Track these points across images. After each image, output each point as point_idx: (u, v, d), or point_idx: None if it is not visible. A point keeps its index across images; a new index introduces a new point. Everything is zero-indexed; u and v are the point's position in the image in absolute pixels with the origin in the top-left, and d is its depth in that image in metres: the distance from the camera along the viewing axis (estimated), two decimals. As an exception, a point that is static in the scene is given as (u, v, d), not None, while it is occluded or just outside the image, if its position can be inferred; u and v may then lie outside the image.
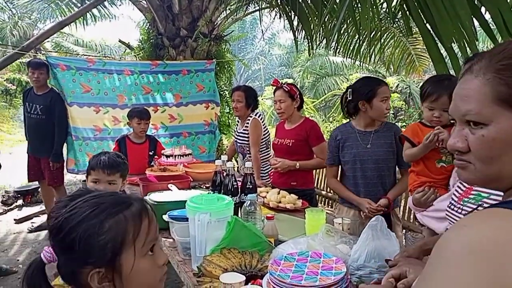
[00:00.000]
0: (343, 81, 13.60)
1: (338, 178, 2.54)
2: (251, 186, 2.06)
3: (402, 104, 11.51)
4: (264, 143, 3.46)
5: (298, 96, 2.96)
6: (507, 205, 0.59)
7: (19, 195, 5.69)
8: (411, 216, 4.00)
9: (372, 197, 2.33)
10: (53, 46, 17.96)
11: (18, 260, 3.79)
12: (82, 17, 7.38)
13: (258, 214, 1.79)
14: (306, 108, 9.56)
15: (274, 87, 3.05)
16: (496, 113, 0.63)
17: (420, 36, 5.73)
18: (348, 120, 2.53)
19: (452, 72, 2.49)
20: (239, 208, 1.94)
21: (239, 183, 2.11)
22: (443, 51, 2.67)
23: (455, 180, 1.78)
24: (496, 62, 0.64)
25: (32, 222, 4.78)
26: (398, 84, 12.06)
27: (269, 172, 3.37)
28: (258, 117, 3.42)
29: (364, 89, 2.31)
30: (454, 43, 2.49)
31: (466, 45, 2.47)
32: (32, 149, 4.29)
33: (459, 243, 0.53)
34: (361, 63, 6.77)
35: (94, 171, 2.04)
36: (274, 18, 5.61)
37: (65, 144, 4.51)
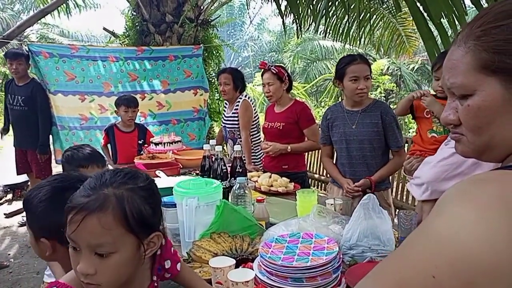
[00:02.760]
0: (333, 65, 13.49)
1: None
2: (240, 170, 2.03)
3: (393, 86, 11.50)
4: (255, 126, 3.40)
5: (287, 78, 2.90)
6: None
7: (8, 189, 5.61)
8: (404, 196, 4.01)
9: (357, 177, 2.32)
10: (38, 38, 17.61)
11: (9, 254, 3.74)
12: (65, 6, 7.22)
13: (248, 197, 1.75)
14: (298, 93, 9.51)
15: (262, 70, 2.99)
16: (479, 81, 0.61)
17: (409, 16, 5.68)
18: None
19: (442, 49, 2.46)
20: (229, 192, 1.90)
21: (229, 168, 2.07)
22: (434, 30, 2.63)
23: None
24: (476, 29, 0.61)
25: (22, 216, 4.70)
26: (389, 67, 12.04)
27: (261, 158, 3.32)
28: (248, 98, 3.35)
29: (337, 67, 2.32)
30: (444, 19, 2.45)
31: (456, 20, 2.43)
32: (18, 141, 4.20)
33: (485, 194, 0.50)
34: (351, 46, 6.70)
35: (86, 168, 1.99)
36: (262, 2, 5.50)
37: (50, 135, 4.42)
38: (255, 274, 1.22)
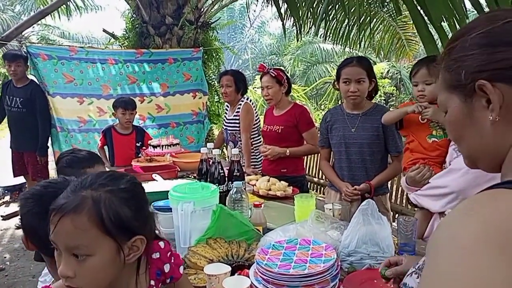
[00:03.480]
0: (333, 68, 13.47)
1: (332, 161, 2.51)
2: (238, 174, 2.00)
3: (393, 90, 11.49)
4: (255, 129, 3.38)
5: (286, 81, 2.88)
6: (508, 185, 0.53)
7: (6, 191, 5.58)
8: (404, 200, 3.97)
9: (356, 181, 2.29)
10: (39, 39, 17.61)
11: (5, 257, 3.70)
12: (66, 8, 7.21)
13: (245, 202, 1.72)
14: (298, 96, 9.49)
15: (261, 73, 2.97)
16: (447, 99, 0.67)
17: (410, 20, 5.67)
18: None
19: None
20: (227, 196, 1.87)
21: (227, 172, 2.04)
22: (434, 33, 2.61)
23: (451, 157, 1.74)
24: (445, 50, 0.67)
25: (19, 218, 4.67)
26: (389, 70, 12.03)
27: (262, 160, 3.29)
28: (249, 101, 3.34)
29: (336, 69, 2.33)
30: (444, 22, 2.43)
31: (456, 23, 2.41)
32: (15, 143, 4.17)
33: (470, 233, 0.47)
34: (351, 49, 6.69)
35: (92, 168, 1.92)
36: (262, 5, 5.49)
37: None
38: (251, 282, 1.19)
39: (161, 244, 1.04)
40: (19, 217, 1.16)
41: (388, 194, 2.43)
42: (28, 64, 4.17)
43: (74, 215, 0.82)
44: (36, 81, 4.26)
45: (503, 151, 0.61)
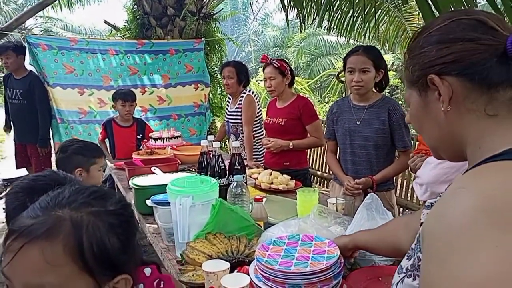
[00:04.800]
0: (337, 61, 13.39)
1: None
2: (239, 167, 1.95)
3: (398, 82, 11.36)
4: (258, 121, 3.33)
5: (289, 72, 2.82)
6: (487, 161, 0.57)
7: (8, 184, 5.57)
8: (409, 195, 3.92)
9: (359, 176, 2.23)
10: (42, 31, 17.57)
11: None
12: (67, 0, 7.15)
13: (245, 196, 1.68)
14: (301, 89, 9.40)
15: (263, 64, 2.90)
16: (409, 95, 0.72)
17: (415, 10, 5.57)
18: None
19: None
20: (227, 190, 1.82)
21: (227, 165, 1.99)
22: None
23: None
24: (406, 50, 0.72)
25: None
26: (394, 62, 11.88)
27: (264, 154, 3.25)
28: (252, 93, 3.28)
29: (343, 59, 2.27)
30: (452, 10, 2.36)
31: (465, 12, 2.33)
32: (17, 136, 4.15)
33: (465, 210, 0.48)
34: (356, 41, 6.60)
35: (100, 158, 1.97)
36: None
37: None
38: (251, 279, 1.15)
39: (147, 271, 0.84)
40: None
41: (393, 190, 2.36)
42: (28, 55, 4.12)
43: (44, 243, 0.62)
44: (36, 72, 4.20)
45: (460, 139, 0.66)
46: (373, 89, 2.23)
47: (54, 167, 4.27)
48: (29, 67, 4.16)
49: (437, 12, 2.47)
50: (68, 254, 0.63)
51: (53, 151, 4.32)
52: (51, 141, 4.34)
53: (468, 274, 0.43)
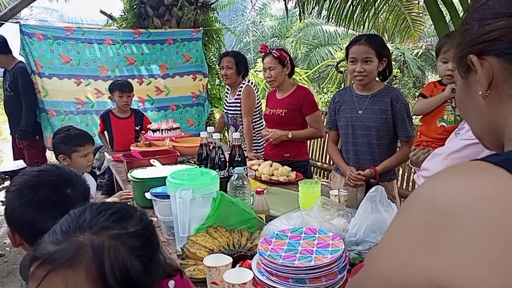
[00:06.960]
0: (336, 51, 13.29)
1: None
2: (240, 159, 1.92)
3: (397, 72, 11.29)
4: (257, 112, 3.29)
5: (289, 62, 2.77)
6: (489, 159, 0.50)
7: (6, 176, 5.52)
8: (410, 186, 3.90)
9: (361, 166, 2.21)
10: (37, 22, 17.37)
11: (4, 243, 3.67)
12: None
13: (247, 188, 1.65)
14: (300, 79, 9.33)
15: (263, 54, 2.85)
16: (456, 77, 0.65)
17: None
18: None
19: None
20: (228, 182, 1.79)
21: (228, 157, 1.96)
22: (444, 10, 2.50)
23: (450, 140, 1.68)
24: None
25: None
26: (393, 52, 11.80)
27: (264, 145, 3.21)
28: (251, 84, 3.23)
29: (345, 48, 2.23)
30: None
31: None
32: (11, 128, 4.10)
33: (419, 194, 0.47)
34: (355, 31, 6.52)
35: (83, 147, 2.15)
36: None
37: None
38: (254, 274, 1.12)
39: (171, 284, 0.83)
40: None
41: (395, 180, 2.34)
42: (21, 44, 4.04)
43: (67, 271, 0.62)
44: (23, 62, 4.09)
45: (499, 128, 0.58)
46: (376, 78, 2.19)
47: (49, 161, 4.23)
48: (19, 57, 4.07)
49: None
50: (90, 281, 0.63)
51: (47, 145, 4.25)
52: (43, 135, 4.22)
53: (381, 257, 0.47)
